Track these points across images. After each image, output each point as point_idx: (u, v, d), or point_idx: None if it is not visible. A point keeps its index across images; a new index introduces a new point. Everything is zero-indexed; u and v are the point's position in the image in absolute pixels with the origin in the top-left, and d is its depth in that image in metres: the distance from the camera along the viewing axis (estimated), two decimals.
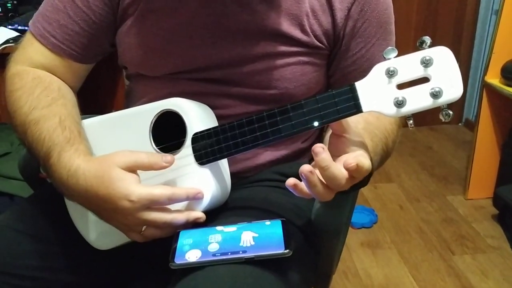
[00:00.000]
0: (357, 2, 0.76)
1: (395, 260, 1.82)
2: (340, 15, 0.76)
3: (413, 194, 2.28)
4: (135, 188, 0.64)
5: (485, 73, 2.01)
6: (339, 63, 0.81)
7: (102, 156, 0.68)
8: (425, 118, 2.91)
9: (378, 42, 0.79)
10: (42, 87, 0.78)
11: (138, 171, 0.67)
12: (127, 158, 0.66)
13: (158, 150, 0.73)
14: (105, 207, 0.65)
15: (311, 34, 0.77)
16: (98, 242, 0.76)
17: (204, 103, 0.78)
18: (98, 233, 0.76)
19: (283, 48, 0.77)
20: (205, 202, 0.69)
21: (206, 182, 0.69)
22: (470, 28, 2.88)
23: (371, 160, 0.62)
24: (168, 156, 0.67)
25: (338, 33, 0.78)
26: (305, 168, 0.57)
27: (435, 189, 2.32)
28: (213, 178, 0.70)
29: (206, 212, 0.69)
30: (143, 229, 0.66)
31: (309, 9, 0.76)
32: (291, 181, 0.60)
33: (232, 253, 0.61)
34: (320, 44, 0.78)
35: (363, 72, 0.80)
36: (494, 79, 1.98)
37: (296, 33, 0.76)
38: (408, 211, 2.14)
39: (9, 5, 1.73)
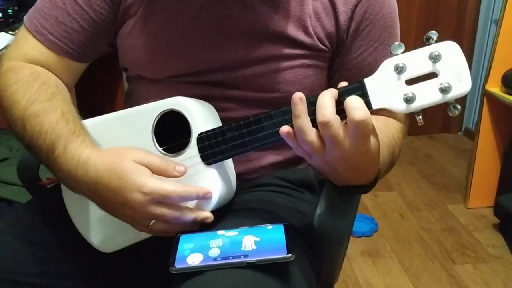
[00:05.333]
0: (361, 5, 0.75)
1: (395, 269, 1.81)
2: (343, 17, 0.76)
3: (414, 203, 2.27)
4: (148, 180, 0.63)
5: (485, 82, 2.01)
6: (340, 66, 0.81)
7: (114, 148, 0.68)
8: (424, 127, 2.92)
9: (382, 47, 0.79)
10: (40, 82, 0.76)
11: None
12: (141, 156, 0.66)
13: (161, 150, 0.72)
14: (115, 200, 0.64)
15: (314, 36, 0.76)
16: (101, 245, 0.75)
17: None
18: (101, 236, 0.75)
19: (286, 51, 0.77)
20: (213, 202, 0.68)
21: (214, 182, 0.69)
22: (470, 37, 2.89)
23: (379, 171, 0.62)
24: (181, 167, 0.67)
25: (342, 36, 0.77)
26: (297, 94, 0.59)
27: (435, 198, 2.31)
28: (220, 178, 0.70)
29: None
30: (151, 224, 0.65)
31: (312, 12, 0.76)
32: (285, 128, 0.60)
33: (234, 257, 0.60)
34: (323, 47, 0.77)
35: (363, 76, 0.79)
36: (494, 87, 1.98)
37: (300, 35, 0.76)
38: (409, 220, 2.13)
39: (9, 11, 1.73)
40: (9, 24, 1.72)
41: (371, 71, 0.79)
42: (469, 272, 1.78)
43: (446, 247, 1.94)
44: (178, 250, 0.63)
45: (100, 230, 0.75)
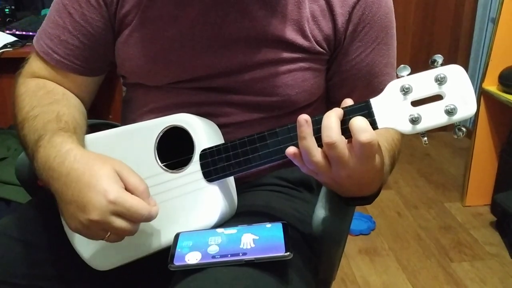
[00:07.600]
0: (358, 6, 0.75)
1: (393, 267, 1.82)
2: (341, 19, 0.75)
3: (411, 201, 2.28)
4: (117, 189, 0.61)
5: (482, 80, 2.02)
6: (339, 67, 0.80)
7: (102, 154, 0.67)
8: None
9: (379, 47, 0.79)
10: (45, 90, 0.79)
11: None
12: (123, 169, 0.64)
13: (162, 166, 0.72)
14: (77, 199, 0.61)
15: (312, 39, 0.76)
16: (97, 263, 0.73)
17: (206, 112, 0.77)
18: (96, 254, 0.73)
19: (285, 55, 0.76)
20: (214, 219, 0.68)
21: (215, 199, 0.68)
22: (467, 36, 2.89)
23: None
24: (155, 202, 0.64)
25: (339, 38, 0.77)
26: (302, 116, 0.59)
27: (433, 196, 2.32)
28: (222, 195, 0.69)
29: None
30: (107, 236, 0.62)
31: (309, 15, 0.75)
32: (291, 149, 0.61)
33: (232, 255, 0.60)
34: (321, 49, 0.77)
35: (362, 77, 0.80)
36: (491, 86, 1.99)
37: (297, 39, 0.76)
38: (406, 218, 2.14)
39: (7, 10, 1.73)
40: (6, 24, 1.72)
41: (369, 71, 0.80)
42: (466, 269, 1.79)
43: (443, 245, 1.94)
44: (177, 248, 0.63)
45: (95, 248, 0.73)
